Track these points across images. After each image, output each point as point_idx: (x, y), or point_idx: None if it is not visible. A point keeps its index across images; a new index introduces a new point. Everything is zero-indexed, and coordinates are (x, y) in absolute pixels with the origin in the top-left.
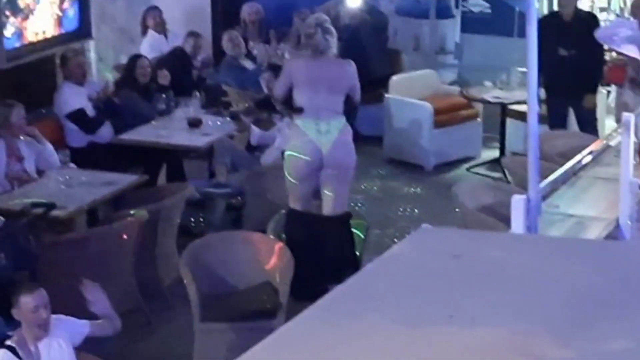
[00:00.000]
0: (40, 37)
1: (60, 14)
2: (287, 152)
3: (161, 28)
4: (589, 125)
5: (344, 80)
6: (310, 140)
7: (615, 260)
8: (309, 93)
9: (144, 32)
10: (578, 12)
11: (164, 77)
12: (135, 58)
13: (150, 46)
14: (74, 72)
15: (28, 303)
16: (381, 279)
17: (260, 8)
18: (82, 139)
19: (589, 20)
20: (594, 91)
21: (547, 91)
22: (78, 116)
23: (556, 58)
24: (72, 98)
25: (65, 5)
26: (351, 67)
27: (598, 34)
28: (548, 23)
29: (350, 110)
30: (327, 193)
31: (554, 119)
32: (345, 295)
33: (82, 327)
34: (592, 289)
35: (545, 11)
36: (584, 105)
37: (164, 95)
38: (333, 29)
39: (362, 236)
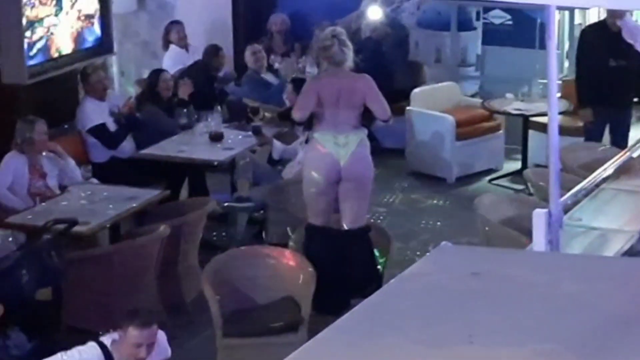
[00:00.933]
0: (62, 53)
1: (82, 29)
2: (303, 172)
3: (183, 42)
4: (622, 137)
5: (359, 94)
6: (328, 152)
7: (636, 278)
8: (328, 107)
9: (166, 46)
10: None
11: (185, 89)
12: (158, 72)
13: (173, 60)
14: (95, 87)
15: (134, 337)
16: (401, 298)
17: (287, 19)
18: (104, 154)
19: (636, 30)
20: None
21: (589, 102)
22: (99, 131)
23: (606, 69)
24: (94, 113)
25: (87, 21)
26: (366, 81)
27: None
28: (596, 34)
29: (370, 124)
30: (345, 207)
31: (592, 130)
32: (365, 315)
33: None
34: (613, 307)
35: (567, 20)
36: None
37: (185, 110)
38: (349, 42)
39: (381, 253)
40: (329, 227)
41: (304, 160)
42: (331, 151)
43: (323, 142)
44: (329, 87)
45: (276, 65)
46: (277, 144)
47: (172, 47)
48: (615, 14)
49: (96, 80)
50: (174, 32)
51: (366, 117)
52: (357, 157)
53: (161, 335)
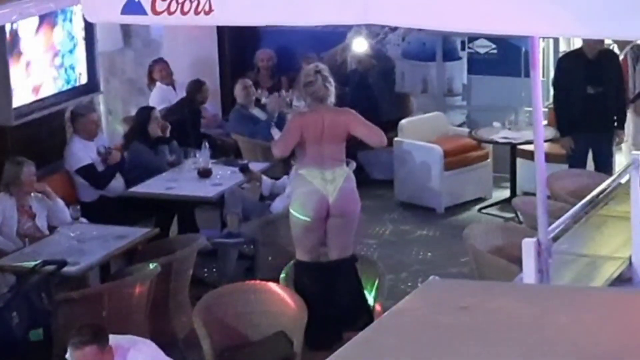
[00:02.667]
0: (48, 93)
1: (68, 69)
2: (291, 210)
3: (169, 80)
4: (606, 163)
5: (342, 127)
6: (316, 189)
7: (625, 310)
8: (312, 143)
9: (151, 84)
10: (601, 50)
11: (163, 128)
12: (148, 110)
13: (159, 98)
14: (86, 128)
15: (70, 355)
16: (391, 333)
17: (273, 54)
18: (92, 193)
19: (612, 57)
20: (622, 127)
21: (570, 129)
22: (87, 171)
23: (584, 96)
24: (82, 153)
25: (73, 60)
26: (349, 115)
27: None
28: (573, 62)
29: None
30: (333, 241)
31: (575, 157)
32: (357, 351)
33: None
34: (602, 339)
35: (552, 48)
36: (618, 140)
37: (167, 146)
38: (331, 77)
39: (375, 282)
40: (318, 261)
41: (292, 197)
42: (319, 187)
43: (310, 178)
44: (312, 123)
45: (263, 100)
46: (266, 180)
47: (158, 84)
48: (592, 41)
49: (88, 122)
50: (157, 71)
51: (351, 147)
52: (345, 192)
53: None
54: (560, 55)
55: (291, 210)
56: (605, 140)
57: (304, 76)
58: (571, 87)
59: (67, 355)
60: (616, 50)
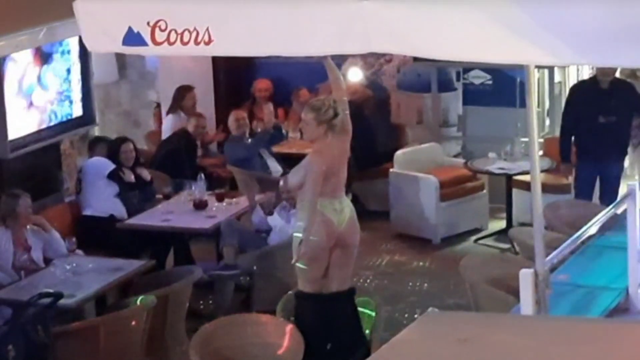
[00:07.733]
0: (44, 125)
1: (63, 101)
2: (301, 239)
3: (194, 109)
4: (613, 192)
5: (347, 154)
6: (328, 219)
7: (622, 341)
8: (329, 176)
9: (173, 109)
10: (615, 80)
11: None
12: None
13: (173, 124)
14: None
15: None
16: None
17: (270, 84)
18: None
19: (626, 87)
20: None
21: (578, 158)
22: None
23: (596, 125)
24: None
25: (68, 92)
26: (348, 137)
27: None
28: (586, 91)
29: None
30: (335, 271)
31: (582, 186)
32: None
33: None
34: None
35: (547, 79)
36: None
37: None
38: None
39: (372, 314)
40: (319, 292)
41: (304, 227)
42: (331, 217)
43: (322, 208)
44: (330, 158)
45: (259, 130)
46: (259, 211)
47: (180, 112)
48: (606, 71)
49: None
50: (188, 98)
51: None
52: (351, 222)
53: None
54: (574, 83)
55: (301, 239)
56: (614, 170)
57: (322, 112)
58: (584, 116)
59: None
60: None
